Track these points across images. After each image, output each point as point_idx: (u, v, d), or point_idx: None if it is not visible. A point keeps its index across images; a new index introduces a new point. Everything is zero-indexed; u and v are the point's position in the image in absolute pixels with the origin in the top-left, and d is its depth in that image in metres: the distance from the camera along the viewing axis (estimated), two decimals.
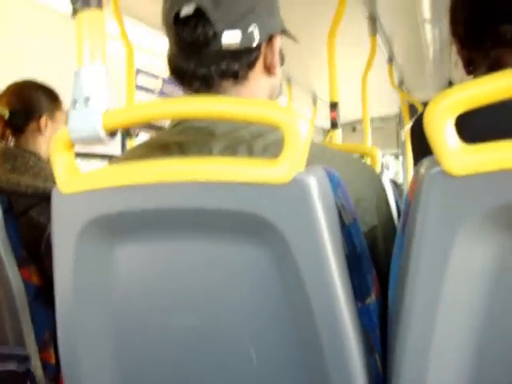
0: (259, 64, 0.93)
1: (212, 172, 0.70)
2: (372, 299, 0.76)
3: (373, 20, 3.21)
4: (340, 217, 0.73)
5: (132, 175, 0.75)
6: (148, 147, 0.96)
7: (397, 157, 7.36)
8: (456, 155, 0.59)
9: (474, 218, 0.61)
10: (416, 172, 0.67)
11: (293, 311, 0.72)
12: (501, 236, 0.62)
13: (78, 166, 0.81)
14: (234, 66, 0.90)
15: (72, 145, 0.79)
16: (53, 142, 0.80)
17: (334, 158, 0.90)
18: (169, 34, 0.93)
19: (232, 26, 0.87)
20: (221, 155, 0.86)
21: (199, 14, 0.85)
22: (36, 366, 1.51)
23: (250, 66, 0.92)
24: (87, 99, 0.75)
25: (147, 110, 0.75)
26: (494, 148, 0.59)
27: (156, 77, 3.49)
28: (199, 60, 0.89)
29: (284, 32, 1.00)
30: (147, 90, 3.44)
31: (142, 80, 3.34)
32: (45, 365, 1.54)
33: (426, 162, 0.65)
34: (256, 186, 0.67)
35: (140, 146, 0.99)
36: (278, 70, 0.98)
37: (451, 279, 0.63)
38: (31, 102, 1.74)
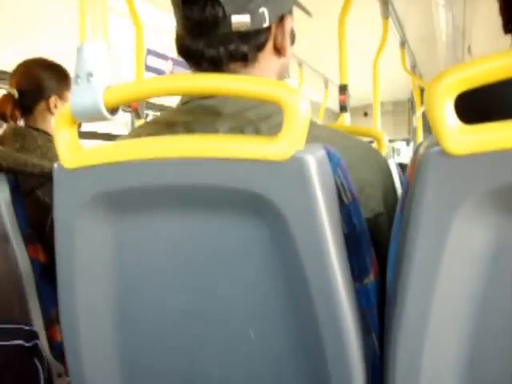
0: (269, 45, 0.91)
1: (211, 148, 0.70)
2: (370, 279, 0.76)
3: (385, 3, 3.18)
4: (339, 196, 0.73)
5: (132, 152, 0.75)
6: (155, 125, 0.95)
7: (408, 143, 7.34)
8: (455, 135, 0.59)
9: (472, 199, 0.61)
10: (415, 152, 0.67)
11: (290, 289, 0.72)
12: (499, 217, 0.62)
13: (80, 143, 0.82)
14: (243, 48, 0.88)
15: (74, 121, 0.79)
16: (55, 118, 0.80)
17: (342, 142, 0.89)
18: (177, 15, 0.91)
19: (241, 8, 0.85)
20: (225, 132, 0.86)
21: None
22: (42, 343, 1.52)
23: (260, 47, 0.90)
24: (89, 75, 0.75)
25: (148, 85, 0.75)
26: (492, 128, 0.59)
27: (166, 58, 3.48)
28: (208, 41, 0.88)
29: (297, 4, 0.97)
30: (157, 70, 3.44)
31: (152, 61, 3.33)
32: (51, 343, 1.56)
33: (424, 142, 0.65)
34: (255, 162, 0.67)
35: (148, 124, 0.98)
36: (289, 51, 0.95)
37: (448, 260, 0.63)
38: (40, 82, 1.74)
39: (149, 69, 3.22)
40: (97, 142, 3.60)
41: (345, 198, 0.73)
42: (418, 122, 4.78)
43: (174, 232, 0.78)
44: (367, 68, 3.37)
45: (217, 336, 0.79)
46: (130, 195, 0.78)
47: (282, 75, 1.00)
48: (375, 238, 0.81)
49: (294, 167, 0.66)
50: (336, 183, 0.72)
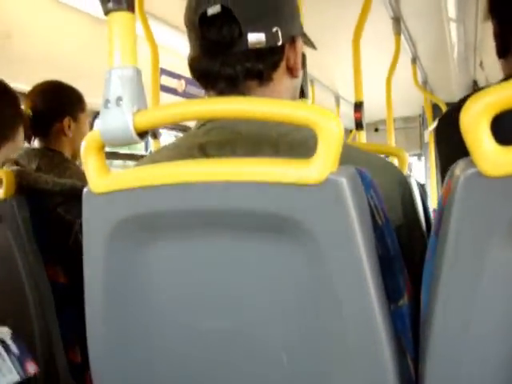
0: (283, 65, 0.94)
1: (245, 173, 0.69)
2: (405, 301, 0.75)
3: (397, 20, 3.19)
4: (373, 217, 0.72)
5: (162, 175, 0.75)
6: (174, 149, 0.96)
7: (419, 158, 7.31)
8: (493, 156, 0.59)
9: (509, 221, 0.60)
10: (450, 174, 0.67)
11: (323, 313, 0.71)
12: None
13: (108, 167, 0.82)
14: (259, 66, 0.91)
15: (103, 145, 0.80)
16: (84, 143, 0.80)
17: (360, 156, 0.90)
18: (192, 36, 0.94)
19: (257, 27, 0.88)
20: (244, 155, 0.86)
21: (225, 13, 0.87)
22: (61, 365, 1.52)
23: (275, 66, 0.93)
24: (119, 99, 0.75)
25: (179, 109, 0.75)
26: None
27: (179, 77, 3.50)
28: (224, 60, 0.90)
29: (303, 36, 1.00)
30: (170, 90, 3.45)
31: (166, 80, 3.35)
32: (71, 364, 1.55)
33: (460, 163, 0.64)
34: (288, 186, 0.67)
35: (167, 147, 0.99)
36: (300, 72, 0.98)
37: (486, 284, 0.62)
38: (54, 104, 1.76)
39: (162, 88, 3.23)
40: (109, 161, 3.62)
41: (378, 220, 0.73)
42: (429, 137, 4.77)
43: (205, 256, 0.78)
44: (377, 84, 3.38)
45: (249, 360, 0.78)
46: (160, 219, 0.78)
47: (295, 96, 1.02)
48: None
49: (329, 190, 0.66)
50: (369, 204, 0.72)
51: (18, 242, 1.46)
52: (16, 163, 1.65)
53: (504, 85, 0.58)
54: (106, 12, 0.77)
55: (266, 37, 0.89)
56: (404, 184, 0.92)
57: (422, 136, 6.71)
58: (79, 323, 1.24)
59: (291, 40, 0.94)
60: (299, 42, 0.96)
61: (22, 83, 2.32)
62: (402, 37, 3.37)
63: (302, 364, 0.75)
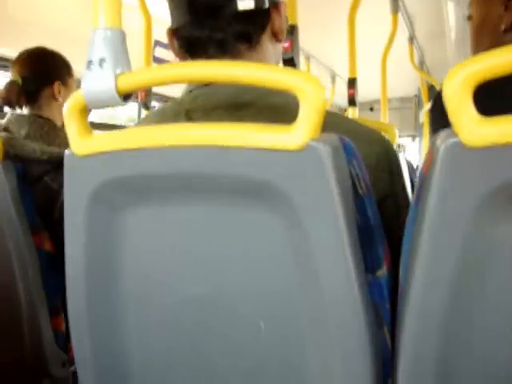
0: (268, 29, 0.95)
1: (224, 137, 0.69)
2: (383, 272, 0.75)
3: None
4: (354, 187, 0.72)
5: (145, 138, 0.74)
6: (160, 115, 0.97)
7: (414, 139, 7.32)
8: (474, 126, 0.58)
9: (489, 191, 0.60)
10: (432, 144, 0.66)
11: (302, 280, 0.71)
12: None
13: (91, 129, 0.81)
14: (249, 29, 0.91)
15: (86, 107, 0.79)
16: (67, 104, 0.79)
17: (347, 124, 0.91)
18: (179, 4, 0.93)
19: None
20: (229, 121, 0.86)
21: None
22: (46, 332, 1.52)
23: (263, 28, 0.94)
24: (102, 60, 0.74)
25: (161, 71, 0.74)
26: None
27: None
28: (215, 25, 0.90)
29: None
30: (164, 61, 3.43)
31: (160, 52, 3.33)
32: (55, 332, 1.55)
33: (442, 133, 0.64)
34: (268, 151, 0.66)
35: (154, 113, 1.00)
36: (284, 36, 0.99)
37: (464, 252, 0.62)
38: (43, 69, 1.74)
39: (156, 60, 3.22)
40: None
41: (360, 190, 0.73)
42: (424, 118, 4.76)
43: (186, 220, 0.77)
44: (374, 63, 3.36)
45: (227, 324, 0.78)
46: (141, 182, 0.77)
47: (278, 61, 1.04)
48: (384, 220, 0.81)
49: (309, 157, 0.65)
50: (351, 174, 0.71)
51: (3, 208, 1.45)
52: (5, 129, 1.63)
53: (487, 54, 0.58)
54: None
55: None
56: (393, 155, 0.92)
57: (417, 117, 6.71)
58: (63, 291, 1.24)
59: (275, 3, 0.95)
60: (283, 6, 0.97)
61: (9, 47, 2.30)
62: (400, 15, 3.34)
63: (278, 330, 0.75)
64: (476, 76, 0.58)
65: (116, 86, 0.74)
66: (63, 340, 1.59)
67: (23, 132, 1.63)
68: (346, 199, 0.68)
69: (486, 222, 0.61)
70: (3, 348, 1.55)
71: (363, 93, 2.79)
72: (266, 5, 0.91)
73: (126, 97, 0.76)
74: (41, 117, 1.70)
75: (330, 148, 0.65)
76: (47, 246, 1.56)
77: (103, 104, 0.76)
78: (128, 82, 0.74)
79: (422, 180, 0.67)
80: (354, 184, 0.72)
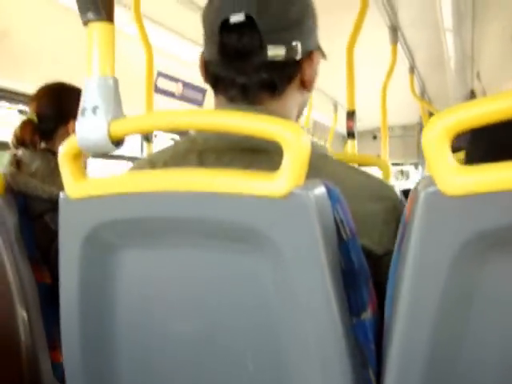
0: (297, 79, 0.94)
1: (211, 183, 0.71)
2: (368, 315, 0.76)
3: (394, 29, 3.21)
4: (338, 232, 0.73)
5: (137, 184, 0.76)
6: (173, 152, 0.97)
7: (416, 166, 7.33)
8: (451, 175, 0.60)
9: (468, 239, 0.61)
10: (413, 191, 0.68)
11: (287, 323, 0.72)
12: (496, 257, 0.62)
13: (86, 172, 0.83)
14: (275, 78, 0.91)
15: (80, 152, 0.81)
16: (61, 149, 0.81)
17: (356, 179, 0.90)
18: (211, 41, 0.93)
19: (278, 39, 0.88)
20: (241, 166, 0.87)
21: (248, 22, 0.87)
22: (45, 364, 1.53)
23: (290, 79, 0.93)
24: (95, 108, 0.77)
25: (152, 120, 0.77)
26: (489, 169, 0.59)
27: (176, 80, 3.51)
28: (241, 68, 0.90)
29: (318, 48, 1.00)
30: (167, 93, 3.46)
31: (162, 83, 3.36)
32: (53, 364, 1.56)
33: (422, 181, 0.65)
34: (254, 198, 0.68)
35: (166, 150, 1.00)
36: (313, 86, 0.99)
37: (443, 299, 0.63)
38: (60, 107, 1.74)
39: (159, 91, 3.25)
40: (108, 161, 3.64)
41: (344, 235, 0.74)
42: None
43: (176, 261, 0.79)
44: (377, 92, 3.39)
45: (217, 360, 0.80)
46: (133, 225, 0.79)
47: (302, 109, 1.03)
48: (385, 275, 0.81)
49: (294, 204, 0.67)
50: (335, 219, 0.73)
51: (5, 242, 1.47)
52: (17, 162, 1.65)
53: (464, 105, 0.60)
54: (85, 22, 0.78)
55: (286, 50, 0.89)
56: (400, 211, 0.87)
57: (419, 144, 6.72)
58: None
59: (309, 54, 0.94)
60: (316, 57, 0.96)
61: (24, 82, 2.33)
62: (399, 46, 3.38)
63: (266, 370, 0.76)
64: (453, 127, 0.60)
65: (108, 132, 0.76)
66: (61, 372, 1.59)
67: (34, 166, 1.64)
68: (330, 244, 0.70)
69: (466, 268, 0.63)
70: (1, 379, 1.56)
71: (366, 121, 2.81)
72: (299, 56, 0.91)
73: (119, 142, 0.78)
74: (53, 152, 1.71)
75: (313, 195, 0.67)
76: (47, 279, 1.57)
77: (96, 149, 0.78)
78: (120, 129, 0.77)
79: (404, 225, 0.69)
80: (338, 229, 0.73)
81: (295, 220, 0.68)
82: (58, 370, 1.57)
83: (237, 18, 0.87)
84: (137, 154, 3.78)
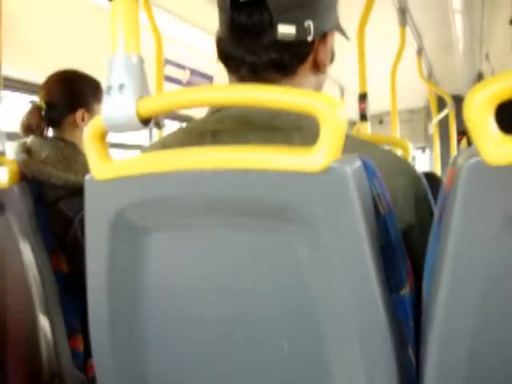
0: (310, 59, 0.93)
1: (246, 160, 0.69)
2: (406, 290, 0.75)
3: (402, 11, 3.18)
4: (375, 206, 0.72)
5: (165, 162, 0.75)
6: (185, 134, 0.96)
7: (423, 150, 7.31)
8: (496, 145, 0.58)
9: None
10: (453, 163, 0.66)
11: (325, 301, 0.71)
12: None
13: (110, 154, 0.82)
14: (285, 58, 0.89)
15: (106, 132, 0.79)
16: (86, 129, 0.80)
17: (375, 153, 0.88)
18: (222, 18, 0.92)
19: (289, 18, 0.86)
20: (258, 142, 0.85)
21: (258, 0, 0.85)
22: (64, 352, 1.53)
23: (301, 60, 0.91)
24: (122, 86, 0.75)
25: (181, 97, 0.75)
26: None
27: (183, 67, 3.49)
28: (250, 47, 0.89)
29: (338, 29, 0.98)
30: (175, 80, 3.45)
31: (170, 70, 3.34)
32: (73, 352, 1.56)
33: (464, 152, 0.64)
34: (291, 174, 0.67)
35: (177, 133, 0.99)
36: (327, 68, 0.97)
37: (489, 271, 0.62)
38: (68, 96, 1.73)
39: (166, 78, 3.23)
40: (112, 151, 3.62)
41: (381, 209, 0.73)
42: (433, 129, 4.76)
43: (208, 242, 0.78)
44: (382, 75, 3.37)
45: (250, 348, 0.78)
46: (162, 206, 0.78)
47: (318, 90, 1.00)
48: (408, 249, 0.80)
49: (332, 178, 0.66)
50: (372, 193, 0.71)
51: (21, 230, 1.47)
52: (28, 150, 1.64)
53: (508, 74, 0.58)
54: None
55: (297, 30, 0.87)
56: (418, 183, 0.91)
57: (426, 128, 6.70)
58: (82, 312, 1.24)
59: (323, 35, 0.93)
60: (331, 38, 0.94)
61: (32, 72, 2.32)
62: (408, 28, 3.35)
63: (302, 353, 0.75)
64: (497, 95, 0.58)
65: (137, 110, 0.74)
66: (81, 360, 1.59)
67: (44, 154, 1.64)
68: (369, 219, 0.68)
69: (511, 240, 0.61)
70: (21, 367, 1.56)
71: (372, 106, 2.79)
72: (310, 37, 0.88)
73: (146, 121, 0.77)
74: (63, 140, 1.70)
75: (351, 169, 0.65)
76: (63, 267, 1.57)
77: (124, 129, 0.77)
78: (148, 107, 0.75)
79: (444, 198, 0.67)
80: (375, 203, 0.72)
81: (334, 195, 0.66)
82: (76, 357, 1.57)
83: None
84: (145, 142, 3.77)
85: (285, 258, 0.72)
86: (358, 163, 0.68)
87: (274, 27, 0.86)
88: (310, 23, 0.88)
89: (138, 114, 0.75)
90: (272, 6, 0.85)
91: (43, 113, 1.70)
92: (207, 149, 0.76)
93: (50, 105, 1.71)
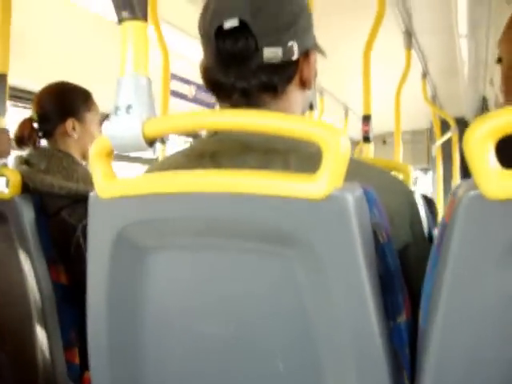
0: (296, 78, 0.95)
1: (249, 185, 0.70)
2: (403, 318, 0.75)
3: (408, 34, 3.20)
4: (375, 235, 0.73)
5: (167, 184, 0.76)
6: (185, 156, 0.97)
7: (426, 172, 7.30)
8: (495, 179, 0.59)
9: (509, 244, 0.60)
10: (454, 194, 0.67)
11: (323, 326, 0.72)
12: None
13: (115, 172, 0.83)
14: (274, 80, 0.91)
15: (111, 151, 0.80)
16: (92, 148, 0.81)
17: (369, 173, 0.91)
18: (207, 46, 0.94)
19: (273, 41, 0.88)
20: (255, 167, 0.87)
21: (242, 27, 0.87)
22: (60, 365, 1.53)
23: (289, 79, 0.93)
24: (129, 107, 0.76)
25: (187, 120, 0.76)
26: None
27: (189, 83, 3.52)
28: (239, 73, 0.90)
29: (315, 47, 1.00)
30: (180, 95, 3.47)
31: (175, 85, 3.36)
32: (68, 364, 1.56)
33: (464, 184, 0.64)
34: (292, 200, 0.68)
35: (178, 154, 1.00)
36: (312, 85, 0.99)
37: (485, 303, 0.62)
38: (57, 106, 1.75)
39: (172, 93, 3.25)
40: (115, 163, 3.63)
41: (380, 238, 0.73)
42: (437, 151, 4.77)
43: (208, 265, 0.78)
44: (387, 97, 3.38)
45: (247, 367, 0.79)
46: (164, 227, 0.78)
47: (305, 107, 1.03)
48: (404, 269, 0.81)
49: (333, 206, 0.66)
50: (372, 221, 0.72)
51: (21, 241, 1.48)
52: (26, 162, 1.66)
53: (510, 108, 0.59)
54: (120, 20, 0.78)
55: (283, 51, 0.89)
56: (413, 203, 0.93)
57: (429, 150, 6.71)
58: (79, 324, 1.24)
59: (305, 53, 0.95)
60: (313, 55, 0.97)
61: (36, 83, 2.34)
62: (413, 51, 3.38)
63: (298, 375, 0.75)
64: (498, 130, 0.59)
65: (143, 131, 0.75)
66: (77, 373, 1.59)
67: (43, 166, 1.65)
68: (368, 247, 0.69)
69: (507, 273, 0.62)
70: (17, 378, 1.56)
71: (376, 126, 2.80)
72: (295, 56, 0.91)
73: (151, 141, 0.78)
74: (60, 151, 1.72)
75: (353, 197, 0.66)
76: (63, 278, 1.57)
77: (129, 149, 0.78)
78: (154, 129, 0.76)
79: (444, 228, 0.68)
80: (374, 232, 0.73)
81: (334, 222, 0.67)
82: (72, 370, 1.57)
83: (230, 23, 0.87)
84: (149, 155, 3.78)
85: (284, 281, 0.73)
86: (359, 191, 0.69)
87: (259, 51, 0.88)
88: (293, 43, 0.90)
89: (143, 135, 0.76)
90: (256, 30, 0.87)
91: (35, 125, 1.72)
92: (209, 172, 0.76)
93: (41, 116, 1.73)
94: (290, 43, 0.90)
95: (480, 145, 0.59)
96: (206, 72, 0.95)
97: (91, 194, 0.82)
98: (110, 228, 0.80)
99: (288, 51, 0.90)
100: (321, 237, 0.68)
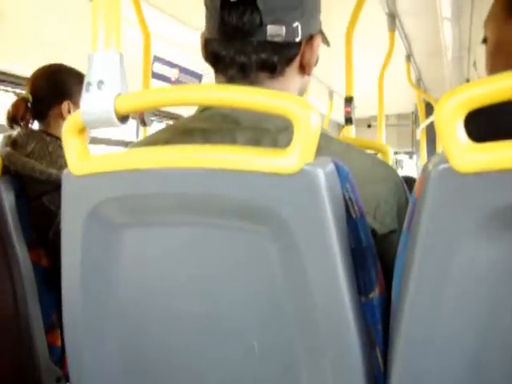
0: (297, 61, 0.94)
1: (220, 160, 0.70)
2: (376, 294, 0.75)
3: (392, 16, 3.20)
4: (347, 210, 0.73)
5: (141, 160, 0.75)
6: (173, 132, 0.96)
7: (411, 156, 7.34)
8: (464, 152, 0.59)
9: (479, 217, 0.61)
10: (424, 169, 0.67)
11: (295, 302, 0.72)
12: (506, 235, 0.62)
13: (89, 149, 0.82)
14: (274, 59, 0.90)
15: (84, 128, 0.80)
16: (65, 124, 0.80)
17: (359, 159, 0.90)
18: (211, 18, 0.92)
19: (278, 19, 0.87)
20: (244, 144, 0.86)
21: (248, 1, 0.86)
22: (41, 347, 1.52)
23: (289, 61, 0.92)
24: (101, 83, 0.75)
25: (159, 94, 0.76)
26: (502, 147, 0.59)
27: (173, 65, 3.49)
28: (240, 48, 0.89)
29: (320, 33, 0.99)
30: (164, 78, 3.44)
31: (159, 68, 3.34)
32: (50, 347, 1.55)
33: (433, 158, 0.65)
34: (264, 175, 0.67)
35: (165, 130, 0.99)
36: (312, 70, 0.98)
37: (454, 278, 0.63)
38: (54, 87, 1.74)
39: (155, 76, 3.23)
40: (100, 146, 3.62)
41: (352, 213, 0.73)
42: (421, 135, 4.78)
43: (182, 240, 0.78)
44: (372, 80, 3.38)
45: (221, 345, 0.79)
46: (138, 202, 0.78)
47: (302, 93, 1.02)
48: (388, 254, 0.81)
49: (304, 180, 0.66)
50: (344, 197, 0.72)
51: (1, 224, 1.46)
52: (13, 142, 1.64)
53: (478, 82, 0.59)
54: None
55: (286, 31, 0.88)
56: (400, 189, 0.92)
57: (414, 134, 6.74)
58: (59, 307, 1.23)
59: (309, 37, 0.94)
60: (317, 40, 0.96)
61: (17, 64, 2.31)
62: (397, 33, 3.37)
63: (272, 351, 0.76)
64: (467, 103, 0.59)
65: (114, 107, 0.75)
66: (58, 355, 1.59)
67: (29, 148, 1.63)
68: (340, 222, 0.69)
69: (478, 246, 0.62)
70: None
71: (361, 109, 2.81)
72: (299, 38, 0.90)
73: (124, 118, 0.77)
74: (49, 134, 1.70)
75: (323, 172, 0.66)
76: (43, 261, 1.57)
77: (101, 125, 0.77)
78: (126, 104, 0.75)
79: (414, 205, 0.68)
80: (347, 207, 0.73)
81: (305, 197, 0.67)
82: (55, 352, 1.57)
83: None
84: (132, 138, 3.77)
85: (256, 257, 0.73)
86: (330, 166, 0.69)
87: (263, 28, 0.87)
88: (297, 25, 0.89)
89: (115, 111, 0.75)
90: (262, 6, 0.86)
91: (29, 105, 1.70)
92: (181, 148, 0.76)
93: (36, 97, 1.71)
94: (294, 24, 0.89)
95: (449, 118, 0.60)
96: (207, 44, 0.94)
97: (64, 172, 0.81)
98: (82, 205, 0.80)
99: (292, 31, 0.89)
100: (292, 212, 0.68)
